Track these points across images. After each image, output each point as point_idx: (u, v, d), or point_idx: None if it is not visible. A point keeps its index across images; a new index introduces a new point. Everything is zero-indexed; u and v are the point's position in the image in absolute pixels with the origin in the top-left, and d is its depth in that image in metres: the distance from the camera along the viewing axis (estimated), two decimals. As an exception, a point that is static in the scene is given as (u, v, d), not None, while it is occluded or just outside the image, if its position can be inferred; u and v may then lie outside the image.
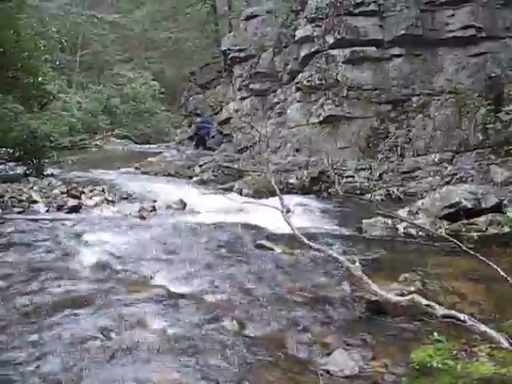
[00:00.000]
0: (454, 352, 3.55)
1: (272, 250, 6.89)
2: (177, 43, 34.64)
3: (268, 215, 8.39)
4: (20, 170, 12.97)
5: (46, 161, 13.67)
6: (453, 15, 13.37)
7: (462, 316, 3.88)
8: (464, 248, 4.83)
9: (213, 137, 21.24)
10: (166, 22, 33.62)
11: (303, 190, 13.22)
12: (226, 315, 4.52)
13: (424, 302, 4.29)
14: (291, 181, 13.32)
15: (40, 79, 12.54)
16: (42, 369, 3.51)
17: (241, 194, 12.57)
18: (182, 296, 5.03)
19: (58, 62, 16.19)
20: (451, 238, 5.55)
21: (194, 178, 15.64)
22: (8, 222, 8.38)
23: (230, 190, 13.34)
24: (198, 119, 22.43)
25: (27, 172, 12.91)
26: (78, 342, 3.91)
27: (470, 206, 8.47)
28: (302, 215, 9.99)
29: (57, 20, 29.47)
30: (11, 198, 10.03)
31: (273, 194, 9.74)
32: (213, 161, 16.38)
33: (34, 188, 11.09)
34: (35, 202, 10.14)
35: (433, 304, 4.24)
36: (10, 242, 6.98)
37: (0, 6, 10.24)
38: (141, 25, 35.85)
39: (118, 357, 3.68)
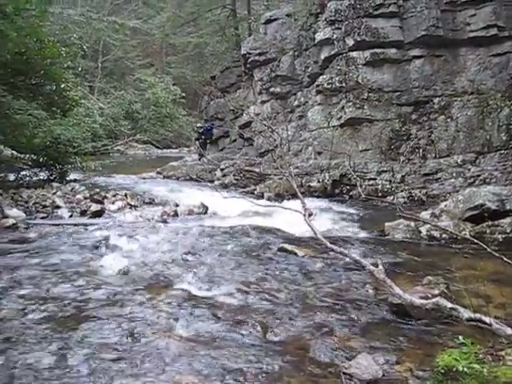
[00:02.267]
0: (480, 356, 3.51)
1: (294, 253, 6.88)
2: (197, 48, 34.82)
3: (290, 218, 8.39)
4: (43, 175, 13.13)
5: (69, 166, 13.84)
6: (474, 15, 13.23)
7: (487, 319, 3.82)
8: (489, 250, 4.76)
9: (234, 140, 21.30)
10: (187, 27, 33.81)
11: (325, 193, 13.22)
12: (249, 319, 4.51)
13: (448, 305, 4.24)
14: (313, 184, 13.32)
15: (63, 86, 12.67)
16: (66, 372, 3.53)
17: (262, 198, 12.60)
18: (205, 299, 5.04)
19: (80, 69, 16.33)
20: (476, 240, 5.47)
21: (216, 182, 15.73)
22: (32, 228, 8.51)
23: (251, 193, 13.38)
24: (199, 124, 22.92)
25: (51, 177, 13.09)
26: (101, 345, 3.93)
27: (494, 207, 8.37)
28: (324, 218, 9.97)
29: (79, 27, 29.79)
30: (35, 203, 10.17)
31: (294, 197, 9.76)
32: (234, 165, 16.42)
33: (58, 193, 11.24)
34: (59, 207, 10.28)
35: (457, 307, 4.19)
36: (35, 247, 7.08)
37: (24, 14, 10.37)
38: (161, 30, 36.08)
39: (140, 360, 3.69)
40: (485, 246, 5.26)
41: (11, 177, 12.37)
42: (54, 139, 12.37)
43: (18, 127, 10.56)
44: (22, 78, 11.49)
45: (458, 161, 12.72)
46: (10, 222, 8.56)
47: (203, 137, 22.09)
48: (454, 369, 3.37)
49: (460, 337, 3.73)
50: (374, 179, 13.21)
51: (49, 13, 13.45)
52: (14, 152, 13.35)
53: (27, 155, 13.20)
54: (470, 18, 13.29)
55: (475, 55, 13.47)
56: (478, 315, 3.96)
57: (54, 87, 12.45)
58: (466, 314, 4.11)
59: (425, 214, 9.42)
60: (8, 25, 10.02)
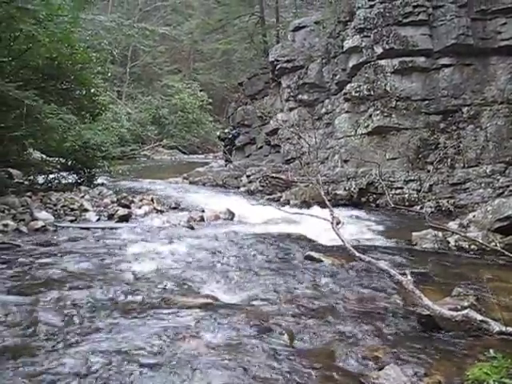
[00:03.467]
0: (512, 370, 3.46)
1: (321, 261, 6.85)
2: (225, 54, 35.01)
3: (316, 226, 8.37)
4: (72, 178, 13.27)
5: (97, 170, 13.99)
6: (505, 24, 13.09)
7: (519, 333, 3.77)
8: (520, 262, 4.70)
9: (261, 147, 21.33)
10: (215, 34, 34.00)
11: (351, 202, 13.17)
12: (275, 326, 4.50)
13: (479, 317, 4.19)
14: (339, 192, 13.27)
15: (92, 91, 12.83)
16: (88, 377, 3.54)
17: (288, 205, 12.59)
18: (231, 306, 5.04)
19: (109, 74, 16.52)
20: (506, 252, 5.40)
21: (242, 189, 15.77)
22: (61, 230, 8.61)
23: (277, 200, 13.38)
24: (227, 130, 22.90)
25: (79, 181, 13.23)
26: (125, 351, 3.94)
27: (524, 219, 8.25)
28: (351, 227, 9.93)
29: (109, 33, 30.14)
30: (63, 206, 10.29)
31: (321, 204, 9.73)
32: (260, 171, 16.44)
33: (86, 197, 11.36)
34: (86, 210, 10.38)
35: (488, 320, 4.14)
36: (63, 250, 7.16)
37: (56, 20, 10.53)
38: (190, 37, 36.33)
39: (167, 366, 3.70)
40: (516, 258, 5.21)
41: (40, 180, 12.54)
42: (83, 143, 12.51)
43: (49, 131, 10.68)
44: (53, 83, 11.66)
45: (487, 171, 12.57)
46: (39, 224, 8.67)
47: (229, 143, 22.18)
48: (485, 383, 3.32)
49: (491, 350, 3.67)
50: (401, 188, 13.12)
51: (81, 19, 13.60)
52: (43, 155, 13.53)
53: (56, 159, 13.36)
54: (500, 27, 13.15)
55: (506, 64, 13.31)
56: (509, 328, 3.90)
57: (84, 92, 12.63)
58: (496, 326, 4.05)
59: (452, 224, 9.33)
60: (40, 30, 10.17)
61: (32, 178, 12.33)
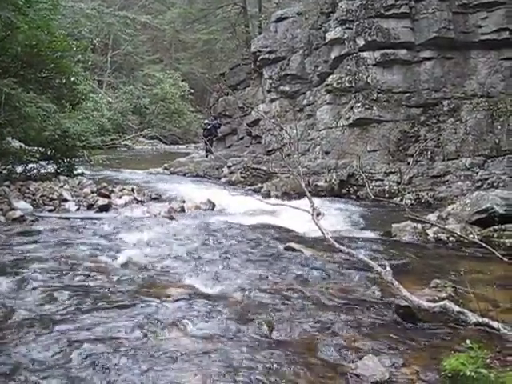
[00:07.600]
0: (488, 360, 3.49)
1: (301, 252, 6.87)
2: (207, 44, 34.79)
3: (297, 217, 8.38)
4: (51, 168, 13.12)
5: (77, 160, 13.84)
6: (486, 18, 13.20)
7: (495, 324, 3.81)
8: (497, 254, 4.73)
9: (242, 138, 21.28)
10: (197, 24, 33.79)
11: (332, 193, 13.20)
12: (255, 317, 4.50)
13: (456, 308, 4.23)
14: (320, 183, 13.30)
15: (72, 79, 12.70)
16: (70, 366, 3.52)
17: (269, 196, 12.60)
18: (212, 296, 5.04)
19: (89, 63, 16.34)
20: (484, 244, 5.45)
21: (223, 179, 15.75)
22: (40, 220, 8.51)
23: (257, 191, 13.38)
24: (207, 121, 22.60)
25: (58, 170, 13.08)
26: (105, 340, 3.92)
27: (501, 211, 8.33)
28: (331, 218, 9.95)
29: (90, 21, 29.79)
30: (42, 196, 10.19)
31: (301, 196, 9.75)
32: (241, 162, 16.42)
33: (65, 187, 11.25)
34: (66, 200, 10.30)
35: (465, 311, 4.18)
36: (41, 240, 7.09)
37: (35, 6, 10.38)
38: (172, 26, 36.01)
39: (147, 356, 3.69)
40: (493, 250, 5.25)
41: (19, 169, 12.37)
42: (62, 132, 12.35)
43: (28, 120, 10.55)
44: (32, 71, 11.52)
45: (466, 164, 12.66)
46: (18, 214, 8.57)
47: (210, 133, 22.01)
48: (461, 373, 3.34)
49: (467, 341, 3.70)
50: (382, 180, 13.18)
51: (60, 6, 13.43)
52: (22, 144, 13.35)
53: (35, 148, 13.19)
54: (481, 21, 13.27)
55: (486, 58, 13.43)
56: (485, 319, 3.94)
57: (64, 80, 12.49)
58: (473, 318, 4.10)
59: (432, 217, 9.40)
60: (19, 17, 10.02)
61: (10, 167, 12.14)
